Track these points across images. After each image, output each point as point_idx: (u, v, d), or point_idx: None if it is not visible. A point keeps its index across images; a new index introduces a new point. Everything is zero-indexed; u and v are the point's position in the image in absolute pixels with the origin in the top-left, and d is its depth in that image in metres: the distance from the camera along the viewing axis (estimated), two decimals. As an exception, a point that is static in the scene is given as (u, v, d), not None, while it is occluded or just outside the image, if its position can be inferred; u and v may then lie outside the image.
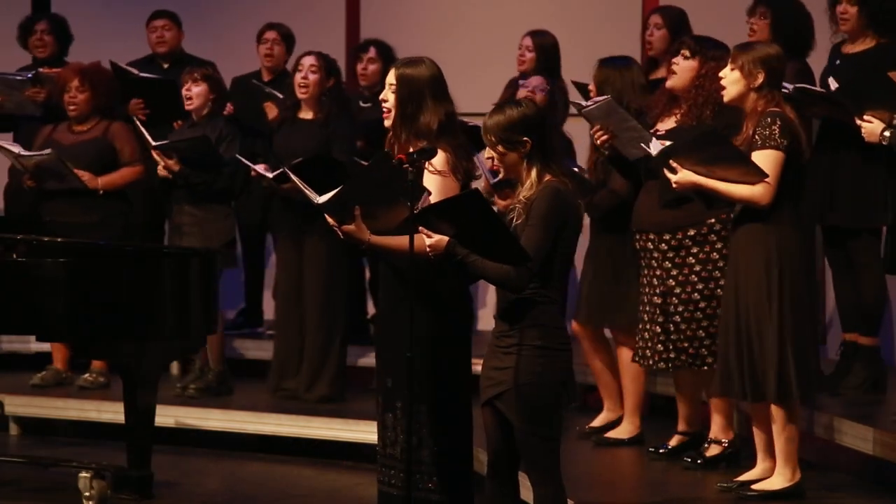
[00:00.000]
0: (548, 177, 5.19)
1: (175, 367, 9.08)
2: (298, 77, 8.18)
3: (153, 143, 8.11)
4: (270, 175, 7.96)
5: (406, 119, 5.50)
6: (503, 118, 5.21)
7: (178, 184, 8.25)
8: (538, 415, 5.18)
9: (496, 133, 5.21)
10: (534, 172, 5.19)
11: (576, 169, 7.18)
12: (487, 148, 5.26)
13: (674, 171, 6.14)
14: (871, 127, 6.25)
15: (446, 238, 5.10)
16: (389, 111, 5.55)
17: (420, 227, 5.13)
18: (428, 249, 5.14)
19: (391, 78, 5.55)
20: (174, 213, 8.38)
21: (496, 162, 5.26)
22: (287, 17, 9.57)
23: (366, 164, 7.71)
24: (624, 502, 6.61)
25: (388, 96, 5.55)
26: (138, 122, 8.34)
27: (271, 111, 8.71)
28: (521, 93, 7.62)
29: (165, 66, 9.27)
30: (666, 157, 6.16)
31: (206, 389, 8.49)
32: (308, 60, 8.19)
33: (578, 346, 8.45)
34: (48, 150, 8.23)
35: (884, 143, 6.22)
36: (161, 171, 8.21)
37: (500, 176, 5.51)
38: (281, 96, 8.65)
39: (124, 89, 8.77)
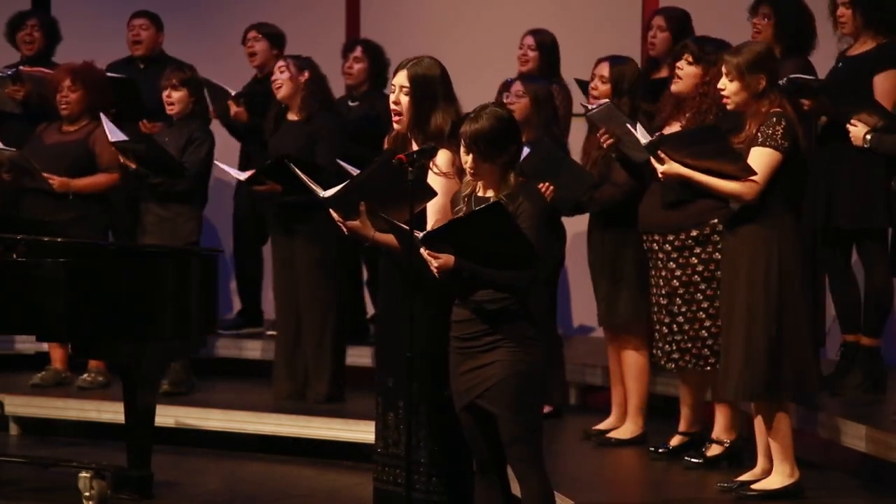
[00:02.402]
0: (519, 178, 5.22)
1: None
2: (273, 82, 8.20)
3: (111, 139, 8.11)
4: (243, 177, 7.96)
5: (420, 122, 5.48)
6: (496, 125, 5.18)
7: (144, 184, 8.27)
8: (526, 405, 5.21)
9: (483, 141, 5.17)
10: (511, 175, 5.21)
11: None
12: (464, 154, 5.21)
13: (661, 162, 6.15)
14: (856, 131, 6.32)
15: (452, 257, 5.10)
16: (401, 115, 5.50)
17: (424, 252, 5.11)
18: (435, 273, 5.13)
19: (402, 80, 5.49)
20: (141, 212, 8.41)
21: (476, 172, 5.22)
22: (287, 17, 9.58)
23: (350, 166, 7.73)
24: (624, 502, 6.61)
25: (401, 98, 5.49)
26: (104, 116, 8.33)
27: (232, 108, 8.73)
28: (508, 99, 7.61)
29: (142, 66, 9.26)
30: (655, 148, 6.17)
31: (178, 384, 8.48)
32: (277, 64, 8.25)
33: (585, 346, 8.52)
34: (13, 149, 8.22)
35: (866, 146, 6.27)
36: (122, 160, 8.22)
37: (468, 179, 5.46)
38: (232, 92, 8.68)
39: None
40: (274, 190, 7.96)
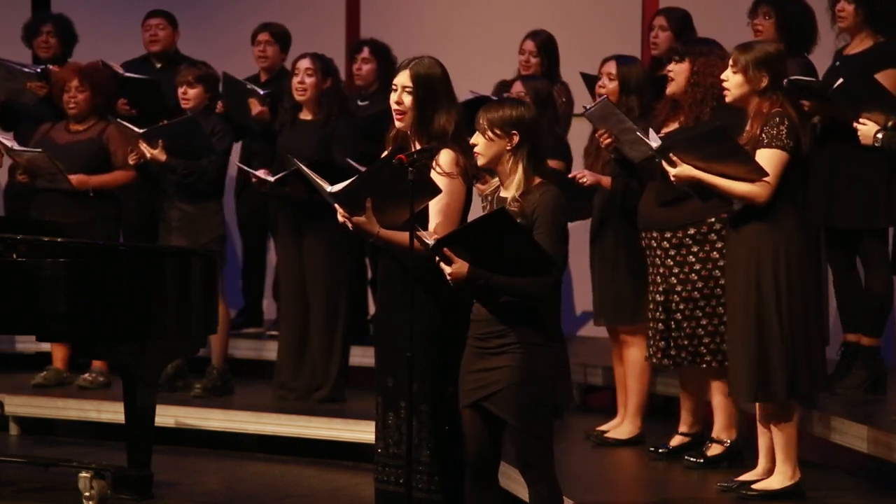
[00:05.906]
0: (537, 179, 5.20)
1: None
2: (295, 81, 8.14)
3: (139, 131, 8.10)
4: (272, 179, 7.94)
5: (424, 121, 5.48)
6: (504, 107, 5.23)
7: (169, 180, 8.24)
8: (534, 412, 5.19)
9: (489, 119, 5.21)
10: (519, 170, 5.20)
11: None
12: (476, 134, 5.26)
13: (673, 165, 6.15)
14: (866, 129, 6.24)
15: (466, 265, 5.10)
16: (404, 114, 5.51)
17: (437, 259, 5.12)
18: (448, 279, 5.13)
19: (405, 80, 5.50)
20: (165, 209, 8.39)
21: (478, 149, 5.25)
22: (287, 17, 9.57)
23: (361, 167, 7.73)
24: (624, 502, 6.61)
25: (404, 98, 5.50)
26: (121, 120, 8.33)
27: (254, 107, 8.70)
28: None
29: (158, 65, 9.27)
30: (666, 151, 6.17)
31: (212, 389, 8.49)
32: (304, 63, 8.14)
33: (586, 346, 8.52)
34: (39, 149, 8.24)
35: (877, 144, 6.22)
36: (150, 156, 8.14)
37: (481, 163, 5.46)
38: (261, 92, 8.65)
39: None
40: (297, 190, 7.93)
